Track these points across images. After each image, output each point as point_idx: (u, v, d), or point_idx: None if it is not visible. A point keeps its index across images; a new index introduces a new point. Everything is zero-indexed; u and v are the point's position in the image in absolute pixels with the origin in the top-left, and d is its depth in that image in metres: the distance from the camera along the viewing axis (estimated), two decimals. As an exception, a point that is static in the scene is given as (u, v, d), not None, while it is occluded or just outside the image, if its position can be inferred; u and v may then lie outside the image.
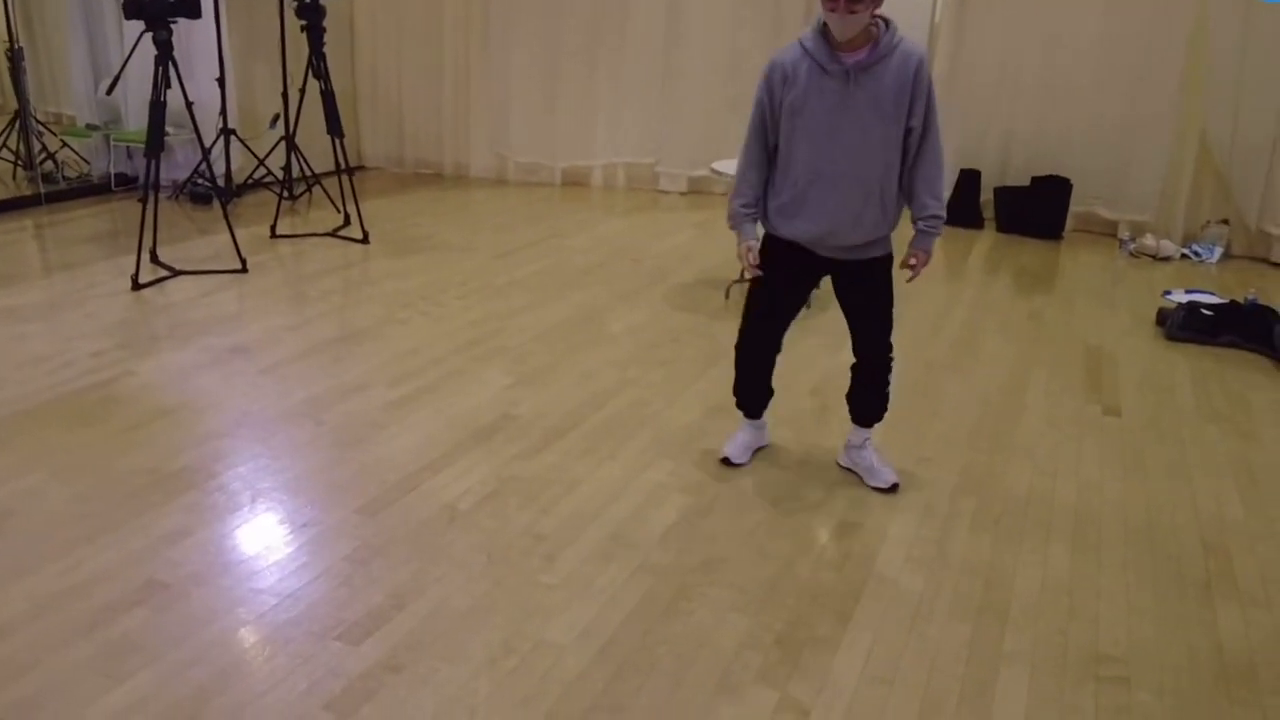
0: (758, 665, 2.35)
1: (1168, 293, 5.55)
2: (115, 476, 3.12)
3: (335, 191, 6.88)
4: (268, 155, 7.02)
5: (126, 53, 5.73)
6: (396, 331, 4.53)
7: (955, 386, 4.13)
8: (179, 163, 7.12)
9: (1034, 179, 6.96)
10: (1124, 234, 6.78)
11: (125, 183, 7.21)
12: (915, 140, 2.87)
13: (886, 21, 2.78)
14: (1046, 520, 3.07)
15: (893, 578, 2.73)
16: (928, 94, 2.84)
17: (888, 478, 3.22)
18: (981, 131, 7.16)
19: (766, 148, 2.98)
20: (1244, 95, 6.34)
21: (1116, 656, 2.44)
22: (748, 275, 3.14)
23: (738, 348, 3.26)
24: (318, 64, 5.98)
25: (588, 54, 7.87)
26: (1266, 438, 3.75)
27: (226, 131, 6.77)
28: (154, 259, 5.35)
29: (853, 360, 3.20)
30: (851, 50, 2.76)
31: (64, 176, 7.03)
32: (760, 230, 3.08)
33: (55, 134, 7.14)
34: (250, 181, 7.13)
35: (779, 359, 3.28)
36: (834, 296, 3.14)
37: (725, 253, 6.09)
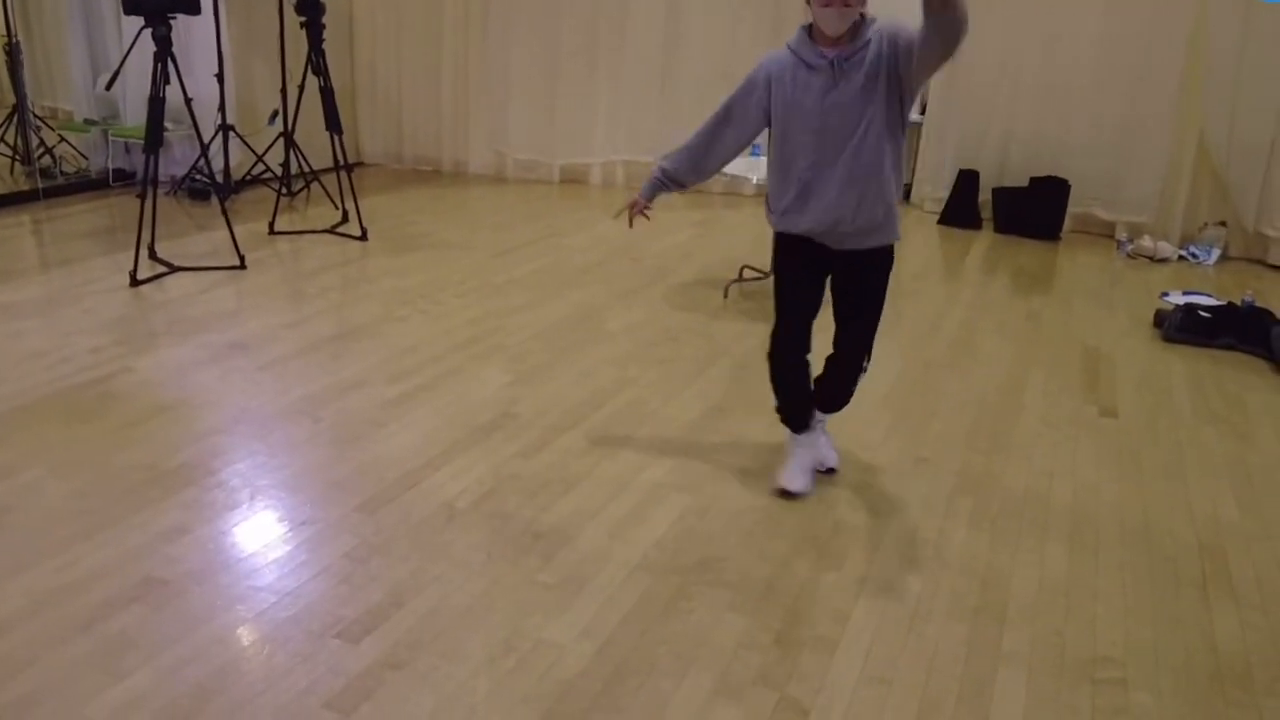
0: (756, 665, 2.36)
1: (1165, 294, 5.56)
2: (113, 473, 3.12)
3: (334, 188, 6.87)
4: (266, 151, 7.01)
5: (126, 48, 5.73)
6: (395, 329, 4.53)
7: (953, 386, 4.13)
8: (177, 158, 7.11)
9: (1032, 180, 6.96)
10: (1122, 235, 6.80)
11: (123, 178, 7.20)
12: (905, 46, 2.73)
13: (863, 14, 2.83)
14: (1043, 521, 3.08)
15: (891, 578, 2.74)
16: (902, 29, 2.74)
17: (826, 460, 3.31)
18: (980, 132, 7.17)
19: (723, 132, 3.00)
20: (1242, 97, 6.35)
21: (1113, 657, 2.45)
22: (622, 217, 3.19)
23: (769, 356, 3.19)
24: (317, 60, 5.97)
25: (587, 52, 7.87)
26: (1263, 439, 3.76)
27: (225, 127, 6.76)
28: (152, 255, 5.34)
29: (830, 351, 3.20)
30: (834, 44, 2.81)
31: (62, 171, 7.02)
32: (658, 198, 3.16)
33: (53, 129, 7.14)
34: (249, 178, 7.12)
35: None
36: (829, 295, 3.15)
37: (725, 252, 6.10)
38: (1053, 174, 6.94)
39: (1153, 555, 2.92)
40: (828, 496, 3.17)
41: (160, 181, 6.15)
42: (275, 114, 7.01)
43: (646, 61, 7.77)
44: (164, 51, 4.91)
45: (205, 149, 5.74)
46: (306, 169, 6.96)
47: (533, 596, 2.58)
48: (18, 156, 6.88)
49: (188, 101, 5.17)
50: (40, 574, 2.58)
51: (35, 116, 6.90)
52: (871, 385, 4.08)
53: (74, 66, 7.22)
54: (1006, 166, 7.16)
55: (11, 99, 6.75)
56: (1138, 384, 4.26)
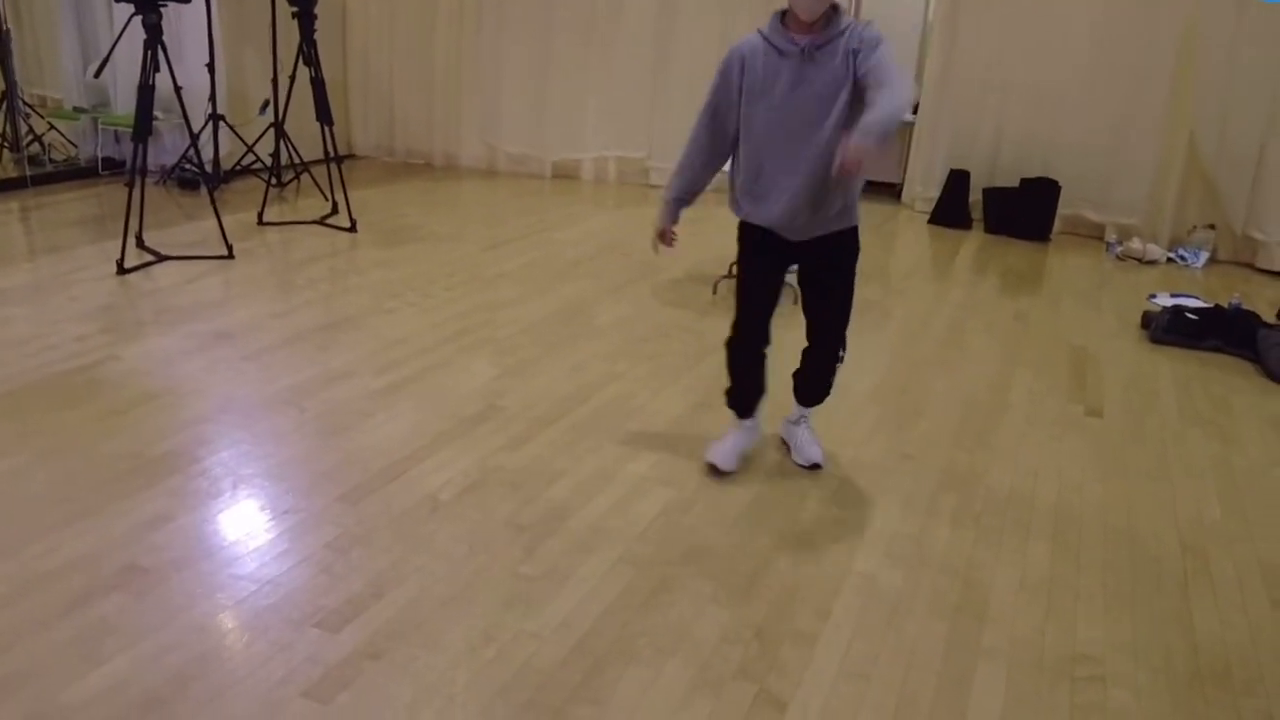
0: (737, 659, 2.36)
1: (1153, 296, 5.58)
2: (98, 460, 3.11)
3: (324, 179, 6.86)
4: (256, 142, 6.99)
5: (115, 36, 5.70)
6: (383, 321, 4.52)
7: (940, 385, 4.14)
8: (167, 148, 7.09)
9: (1023, 180, 6.98)
10: (1111, 237, 6.82)
11: (112, 167, 7.17)
12: (868, 72, 2.72)
13: (835, 6, 2.85)
14: (1027, 519, 3.09)
15: (872, 574, 2.74)
16: (876, 48, 2.73)
17: (811, 456, 3.31)
18: (972, 132, 7.19)
19: (715, 137, 3.01)
20: (1233, 101, 6.37)
21: (1093, 656, 2.46)
22: (656, 247, 3.22)
23: (728, 344, 3.26)
24: (308, 51, 5.95)
25: (580, 46, 7.86)
26: (1247, 441, 3.77)
27: (215, 117, 6.74)
28: (140, 244, 5.32)
29: (805, 345, 3.23)
30: (806, 32, 2.82)
31: (51, 159, 6.99)
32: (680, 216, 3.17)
33: (43, 116, 7.10)
34: (238, 168, 7.10)
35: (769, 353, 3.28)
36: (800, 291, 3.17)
37: (714, 249, 6.09)
38: (1043, 175, 6.96)
39: (1135, 555, 2.93)
40: (812, 492, 3.18)
41: (149, 170, 6.14)
42: (266, 104, 6.99)
43: (639, 57, 7.76)
44: (154, 39, 4.89)
45: (195, 138, 5.72)
46: (297, 160, 6.94)
47: (514, 588, 2.58)
48: (6, 144, 6.84)
49: (178, 90, 5.16)
50: (22, 560, 2.57)
51: (24, 103, 6.86)
52: (858, 382, 4.09)
53: (64, 53, 7.18)
54: (997, 167, 7.17)
55: (1, 86, 6.72)
56: (1124, 385, 4.28)
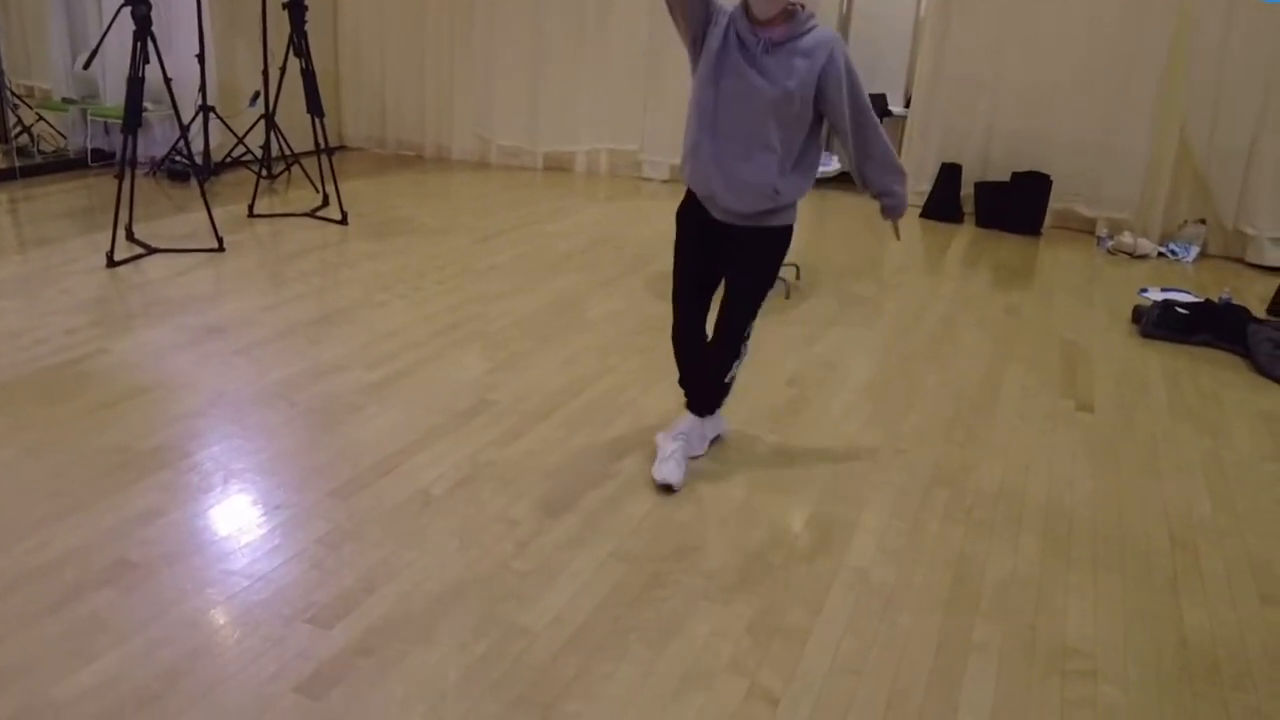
0: (728, 654, 2.36)
1: (1144, 290, 5.59)
2: (88, 454, 3.09)
3: (315, 171, 6.83)
4: (247, 134, 6.96)
5: (105, 27, 5.66)
6: (374, 314, 4.51)
7: (932, 379, 4.15)
8: (157, 139, 7.05)
9: (1014, 174, 6.98)
10: (1102, 231, 6.83)
11: (102, 158, 7.13)
12: (848, 127, 2.87)
13: (802, 4, 2.84)
14: (1018, 514, 3.10)
15: (864, 568, 2.75)
16: (848, 78, 2.82)
17: (665, 476, 3.07)
18: (963, 126, 7.19)
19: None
20: (1223, 96, 6.38)
21: (1083, 650, 2.47)
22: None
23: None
24: (299, 42, 5.92)
25: (572, 38, 7.84)
26: (1237, 436, 3.79)
27: (205, 109, 6.70)
28: (130, 236, 5.30)
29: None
30: (769, 27, 2.81)
31: (40, 151, 6.95)
32: None
33: (31, 107, 7.06)
34: (229, 160, 7.07)
35: (698, 342, 3.24)
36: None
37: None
38: (1035, 169, 6.96)
39: (1125, 549, 2.94)
40: (803, 487, 3.18)
41: (139, 162, 6.10)
42: (256, 96, 6.96)
43: (632, 49, 7.74)
44: (144, 30, 4.86)
45: (185, 130, 5.69)
46: (287, 152, 6.91)
47: (506, 583, 2.58)
48: (-5, 135, 6.81)
49: (167, 82, 5.13)
50: (12, 555, 2.56)
51: (13, 95, 6.82)
52: (851, 377, 4.09)
53: (53, 44, 7.14)
54: (989, 161, 7.18)
55: (-11, 76, 6.68)
56: (1115, 379, 4.29)
